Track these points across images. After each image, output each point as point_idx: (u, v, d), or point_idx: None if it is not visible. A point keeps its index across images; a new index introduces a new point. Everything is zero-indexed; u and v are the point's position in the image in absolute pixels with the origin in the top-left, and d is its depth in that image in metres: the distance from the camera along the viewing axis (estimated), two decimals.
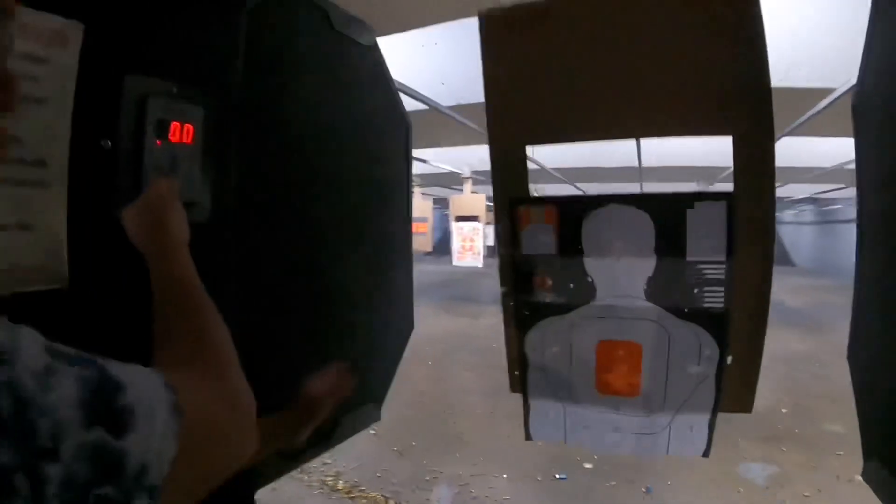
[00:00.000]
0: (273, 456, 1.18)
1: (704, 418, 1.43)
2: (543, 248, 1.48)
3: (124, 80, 0.92)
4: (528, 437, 1.65)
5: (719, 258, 1.32)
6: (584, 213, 1.42)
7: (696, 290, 1.34)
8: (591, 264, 1.43)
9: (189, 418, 0.51)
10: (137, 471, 0.45)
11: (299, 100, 1.26)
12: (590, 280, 1.44)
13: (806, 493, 3.72)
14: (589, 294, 1.44)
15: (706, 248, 1.32)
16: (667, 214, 1.33)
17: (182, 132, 0.99)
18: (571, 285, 1.47)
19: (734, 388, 1.40)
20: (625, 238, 1.37)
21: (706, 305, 1.35)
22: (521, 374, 1.58)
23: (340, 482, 3.92)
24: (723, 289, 1.33)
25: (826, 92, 4.56)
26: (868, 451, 1.05)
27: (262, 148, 1.17)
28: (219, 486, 0.58)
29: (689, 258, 1.34)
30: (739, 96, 1.26)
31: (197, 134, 1.01)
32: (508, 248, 1.51)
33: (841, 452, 4.25)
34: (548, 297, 1.49)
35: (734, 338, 1.36)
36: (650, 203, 1.36)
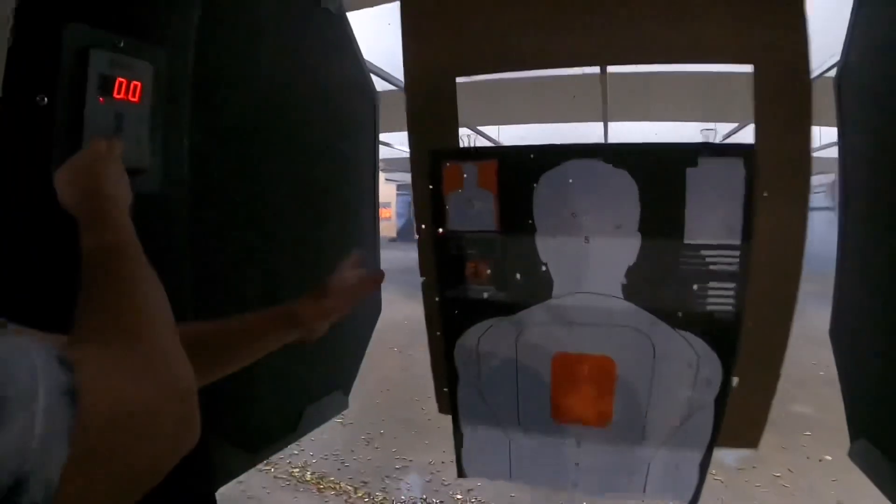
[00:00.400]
0: (233, 450, 1.10)
1: (695, 456, 1.02)
2: (479, 223, 1.06)
3: (64, 30, 0.82)
4: (460, 473, 1.27)
5: (731, 241, 0.92)
6: (536, 171, 0.98)
7: (695, 287, 0.95)
8: (547, 246, 1.00)
9: (98, 404, 0.39)
10: (8, 486, 0.32)
11: (259, 62, 1.17)
12: (544, 269, 1.01)
13: (777, 474, 3.76)
14: (543, 289, 1.03)
15: (713, 225, 0.91)
16: (657, 175, 0.89)
17: (128, 90, 0.89)
18: (518, 276, 1.05)
19: (738, 419, 1.00)
20: (596, 209, 0.92)
21: (709, 308, 0.96)
22: (450, 393, 1.21)
23: (308, 473, 3.83)
24: (734, 285, 0.93)
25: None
26: (855, 431, 1.01)
27: (218, 113, 1.07)
28: (171, 484, 0.48)
29: (687, 240, 0.94)
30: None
31: (145, 93, 0.91)
32: (429, 222, 1.13)
33: (809, 433, 4.32)
34: (485, 292, 1.09)
35: (744, 353, 0.97)
36: (633, 158, 0.91)
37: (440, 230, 1.13)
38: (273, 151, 1.20)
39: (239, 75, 1.13)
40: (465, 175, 1.05)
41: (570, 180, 0.96)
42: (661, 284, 0.96)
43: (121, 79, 0.88)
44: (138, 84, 0.91)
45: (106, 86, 0.87)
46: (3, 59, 0.76)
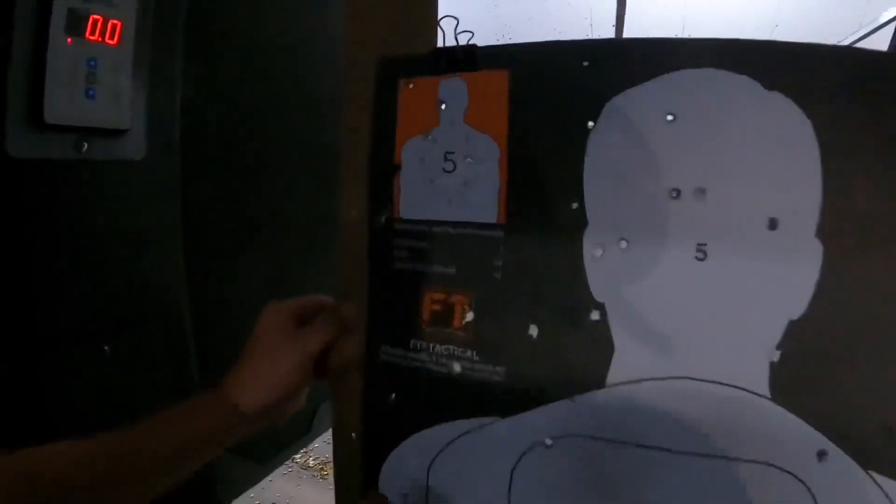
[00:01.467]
0: (243, 462, 0.96)
1: None
2: (463, 206, 0.51)
3: None
4: None
5: None
6: (592, 95, 0.46)
7: None
8: (608, 265, 0.46)
9: None
10: None
11: (264, 7, 0.99)
12: (596, 317, 0.46)
13: None
14: (589, 360, 0.47)
15: None
16: (864, 111, 0.40)
17: (105, 30, 0.73)
18: (535, 329, 0.48)
19: None
20: (726, 184, 0.44)
21: None
22: None
23: (311, 459, 3.71)
24: None
25: None
26: None
27: (216, 62, 0.91)
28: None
29: None
30: None
31: (126, 34, 0.75)
32: (361, 202, 0.55)
33: None
34: (457, 361, 0.50)
35: None
36: (805, 66, 0.44)
37: (382, 217, 0.54)
38: (280, 110, 1.03)
39: (242, 15, 0.95)
40: (442, 104, 0.51)
41: (672, 116, 0.45)
42: (862, 369, 0.42)
43: (95, 16, 0.72)
44: (118, 23, 0.75)
45: (76, 24, 0.70)
46: None
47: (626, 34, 4.02)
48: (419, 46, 0.54)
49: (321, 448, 3.76)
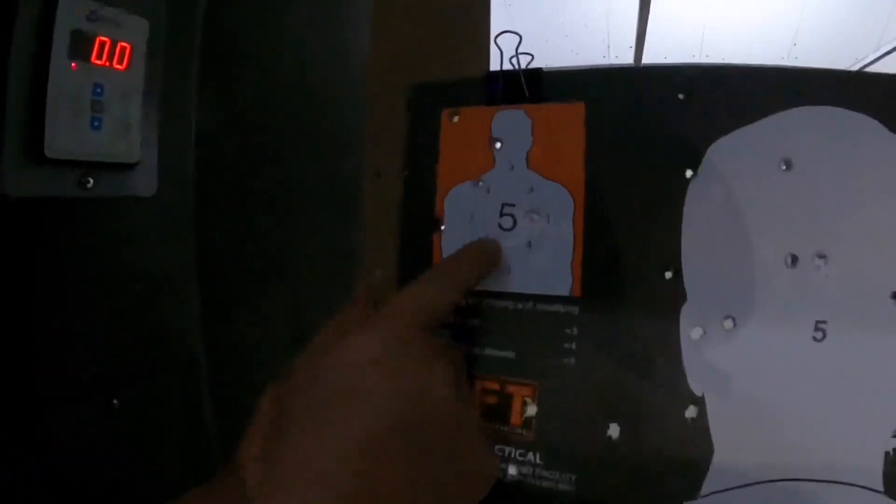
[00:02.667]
0: None
1: None
2: (525, 274, 0.42)
3: None
4: None
5: None
6: (692, 138, 0.38)
7: None
8: (710, 346, 0.37)
9: None
10: None
11: (287, 24, 0.93)
12: (692, 415, 0.38)
13: None
14: (685, 463, 0.37)
15: None
16: None
17: (113, 53, 0.66)
18: (616, 429, 0.39)
19: None
20: (856, 250, 0.36)
21: None
22: None
23: None
24: None
25: None
26: None
27: (234, 88, 0.84)
28: None
29: None
30: None
31: (136, 58, 0.68)
32: (394, 262, 0.47)
33: None
34: (515, 455, 0.41)
35: None
36: None
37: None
38: (301, 139, 0.96)
39: (262, 37, 0.89)
40: (497, 142, 0.43)
41: (786, 164, 0.37)
42: None
43: (102, 38, 0.65)
44: (127, 46, 0.67)
45: (81, 47, 0.63)
46: None
47: (645, 57, 3.98)
48: (467, 70, 0.45)
49: None
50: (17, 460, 0.62)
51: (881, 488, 0.37)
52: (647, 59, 4.26)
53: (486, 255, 0.41)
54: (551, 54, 4.80)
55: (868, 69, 4.06)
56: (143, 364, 0.74)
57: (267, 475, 0.30)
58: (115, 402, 0.70)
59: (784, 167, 0.38)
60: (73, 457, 0.67)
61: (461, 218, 0.44)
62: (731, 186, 0.38)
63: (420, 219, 0.45)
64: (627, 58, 4.50)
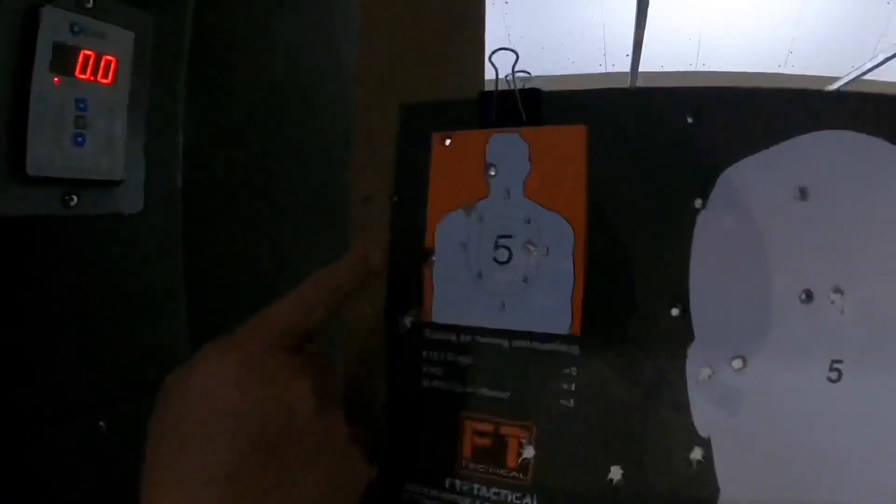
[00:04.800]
0: None
1: None
2: (522, 311, 0.39)
3: None
4: None
5: None
6: (703, 163, 0.35)
7: None
8: (719, 392, 0.35)
9: None
10: None
11: (276, 35, 0.91)
12: (698, 460, 0.35)
13: None
14: None
15: None
16: None
17: (97, 67, 0.64)
18: (619, 473, 0.37)
19: None
20: (883, 284, 0.32)
21: None
22: None
23: None
24: None
25: (827, 81, 4.40)
26: None
27: (222, 102, 0.82)
28: None
29: None
30: None
31: (122, 72, 0.66)
32: (379, 300, 0.43)
33: None
34: (511, 498, 0.39)
35: None
36: None
37: (406, 320, 0.42)
38: (291, 155, 0.94)
39: (250, 50, 0.87)
40: (491, 167, 0.40)
41: (800, 192, 0.35)
42: None
43: (86, 51, 0.63)
44: (112, 60, 0.65)
45: (64, 61, 0.62)
46: None
47: (642, 65, 3.97)
48: (460, 90, 0.42)
49: None
50: (5, 482, 0.60)
51: None
52: (643, 67, 4.24)
53: (365, 265, 0.39)
54: (548, 62, 4.79)
55: (863, 78, 4.06)
56: (131, 385, 0.72)
57: (156, 449, 0.31)
58: (101, 424, 0.68)
59: (799, 196, 0.36)
60: (57, 481, 0.65)
61: (453, 248, 0.41)
62: (742, 217, 0.36)
63: (410, 249, 0.42)
64: (624, 66, 4.49)
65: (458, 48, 0.44)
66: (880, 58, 3.67)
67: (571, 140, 0.39)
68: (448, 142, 0.42)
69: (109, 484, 0.68)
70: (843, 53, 4.56)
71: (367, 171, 0.43)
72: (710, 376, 0.36)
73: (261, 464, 0.30)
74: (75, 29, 0.62)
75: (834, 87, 4.07)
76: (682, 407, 0.37)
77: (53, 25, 0.60)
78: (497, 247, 0.40)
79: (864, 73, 4.00)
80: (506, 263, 0.40)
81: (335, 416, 0.35)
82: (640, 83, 3.97)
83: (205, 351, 0.33)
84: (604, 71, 4.95)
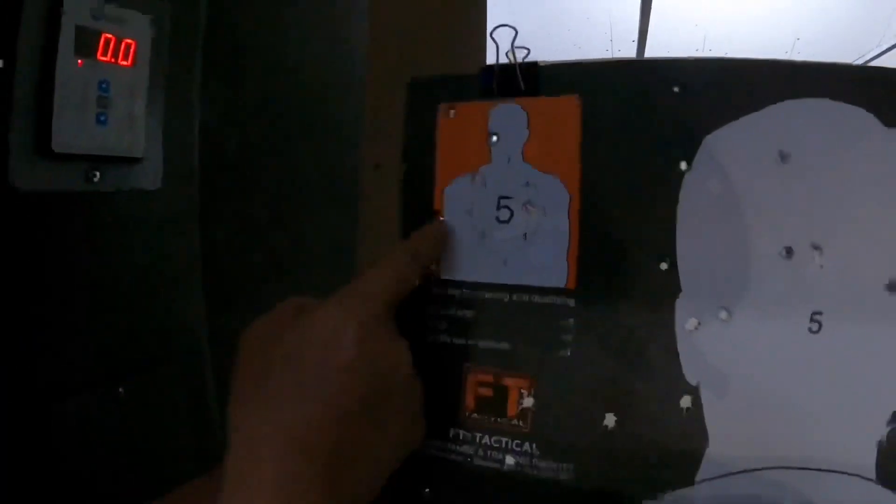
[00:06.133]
0: None
1: None
2: (522, 265, 0.42)
3: None
4: None
5: None
6: (687, 128, 0.38)
7: None
8: (707, 337, 0.38)
9: None
10: None
11: (289, 19, 0.94)
12: (687, 407, 0.38)
13: None
14: (681, 452, 0.38)
15: None
16: None
17: (118, 50, 0.67)
18: (612, 419, 0.39)
19: None
20: (848, 237, 0.36)
21: None
22: None
23: None
24: None
25: None
26: None
27: (236, 83, 0.85)
28: None
29: None
30: None
31: (141, 54, 0.69)
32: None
33: None
34: (510, 454, 0.41)
35: None
36: None
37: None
38: (303, 134, 0.97)
39: (263, 33, 0.90)
40: (493, 136, 0.43)
41: (782, 156, 0.38)
42: None
43: (108, 34, 0.66)
44: (132, 43, 0.68)
45: (87, 44, 0.64)
46: None
47: (647, 50, 3.96)
48: (464, 64, 0.45)
49: None
50: (27, 447, 0.63)
51: (874, 477, 0.37)
52: (649, 53, 4.24)
53: (440, 238, 0.43)
54: (554, 48, 4.78)
55: (871, 64, 4.05)
56: (148, 354, 0.75)
57: (245, 421, 0.33)
58: (120, 390, 0.71)
59: (780, 159, 0.38)
60: (80, 443, 0.68)
61: (459, 211, 0.44)
62: (726, 179, 0.39)
63: (419, 212, 0.45)
64: (631, 52, 4.48)
65: (461, 26, 0.47)
66: (886, 44, 3.66)
67: (567, 109, 0.42)
68: (453, 112, 0.45)
69: (128, 444, 0.72)
70: (851, 40, 4.54)
71: (378, 141, 0.46)
72: (697, 327, 0.39)
73: (364, 413, 0.33)
74: (97, 14, 0.65)
75: None
76: (672, 356, 0.39)
77: (76, 10, 0.63)
78: (499, 208, 0.43)
79: (871, 59, 3.99)
80: (507, 223, 0.43)
81: (416, 377, 0.38)
82: None
83: (319, 306, 0.36)
84: (610, 57, 4.94)
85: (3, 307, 0.61)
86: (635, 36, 3.85)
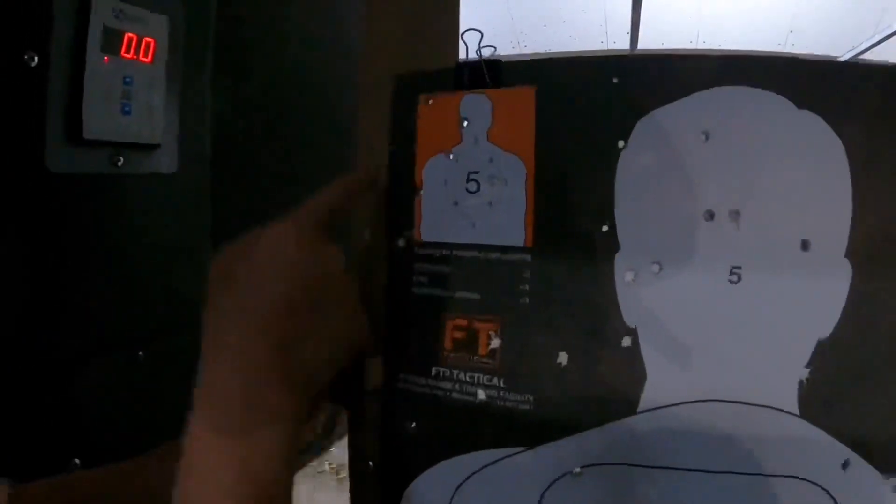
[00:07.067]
0: None
1: None
2: (489, 229, 0.50)
3: None
4: None
5: None
6: (623, 113, 0.46)
7: None
8: (640, 290, 0.46)
9: None
10: None
11: (291, 18, 1.01)
12: (627, 343, 0.46)
13: None
14: (620, 386, 0.46)
15: None
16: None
17: (139, 47, 0.74)
18: (564, 356, 0.47)
19: None
20: (760, 205, 0.44)
21: None
22: None
23: (326, 464, 3.71)
24: None
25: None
26: None
27: (244, 77, 0.92)
28: None
29: None
30: None
31: (159, 52, 0.76)
32: (380, 224, 0.54)
33: None
34: (482, 389, 0.50)
35: None
36: (833, 85, 0.43)
37: (401, 240, 0.53)
38: (302, 123, 1.04)
39: (266, 33, 0.96)
40: (464, 121, 0.50)
41: (704, 135, 0.44)
42: (886, 384, 0.43)
43: (130, 34, 0.73)
44: (151, 41, 0.75)
45: (112, 42, 0.71)
46: None
47: (642, 41, 3.99)
48: (440, 61, 0.52)
49: (337, 453, 3.77)
50: (55, 401, 0.70)
51: (797, 412, 0.44)
52: (644, 45, 4.27)
53: (367, 177, 0.52)
54: (549, 39, 4.80)
55: (864, 56, 4.08)
56: (164, 322, 0.82)
57: (215, 321, 0.40)
58: (140, 354, 0.79)
59: (704, 138, 0.45)
60: (102, 401, 0.75)
61: (436, 184, 0.52)
62: (657, 154, 0.46)
63: (403, 186, 0.53)
64: (625, 43, 4.52)
65: (438, 30, 0.54)
66: (879, 36, 3.70)
67: (524, 98, 0.50)
68: (431, 102, 0.53)
69: (145, 403, 0.79)
70: (844, 32, 4.55)
71: (371, 127, 0.54)
72: (633, 279, 0.47)
73: (307, 302, 0.41)
74: (120, 15, 0.71)
75: None
76: (613, 303, 0.47)
77: (103, 12, 0.70)
78: (468, 180, 0.51)
79: (863, 51, 4.03)
80: (475, 193, 0.51)
81: (352, 280, 0.46)
82: None
83: (271, 225, 0.43)
84: (605, 48, 4.96)
85: (37, 276, 0.67)
86: (629, 28, 3.89)
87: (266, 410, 0.38)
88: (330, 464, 3.66)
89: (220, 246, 0.43)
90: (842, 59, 4.23)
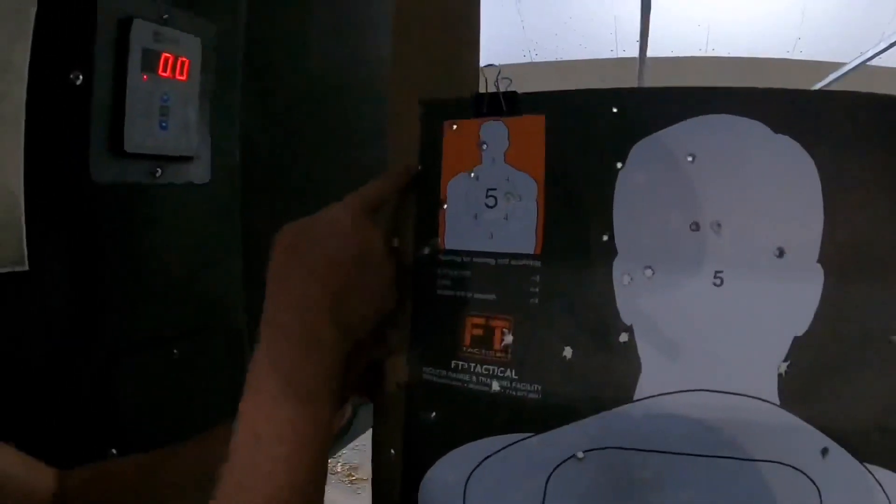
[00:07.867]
0: None
1: None
2: (505, 238, 0.56)
3: None
4: None
5: None
6: (622, 138, 0.52)
7: None
8: (636, 292, 0.52)
9: None
10: None
11: (314, 38, 1.06)
12: (624, 339, 0.52)
13: None
14: (618, 379, 0.52)
15: None
16: (865, 150, 0.48)
17: (175, 67, 0.79)
18: (569, 351, 0.53)
19: None
20: (741, 218, 0.50)
21: None
22: None
23: (339, 465, 3.75)
24: None
25: (834, 66, 4.40)
26: None
27: (270, 94, 0.97)
28: None
29: None
30: None
31: (193, 71, 0.81)
32: (409, 234, 0.60)
33: None
34: (496, 380, 0.55)
35: None
36: (810, 113, 0.49)
37: (427, 248, 0.59)
38: (326, 138, 1.09)
39: (292, 52, 1.02)
40: (484, 144, 0.56)
41: (691, 157, 0.50)
42: (858, 377, 0.48)
43: (167, 54, 0.78)
44: (186, 61, 0.81)
45: (150, 62, 0.76)
46: (30, 29, 0.65)
47: (651, 49, 4.02)
48: (462, 91, 0.59)
49: (348, 455, 3.81)
50: (97, 395, 0.74)
51: (777, 402, 0.50)
52: (654, 53, 4.29)
53: (406, 174, 0.59)
54: (560, 48, 4.84)
55: (870, 63, 4.08)
56: (197, 322, 0.87)
57: (280, 279, 0.48)
58: (175, 351, 0.84)
59: (691, 159, 0.51)
60: (142, 395, 0.80)
61: (458, 199, 0.59)
62: (650, 174, 0.53)
63: (430, 200, 0.60)
64: (635, 51, 4.54)
65: (461, 63, 0.61)
66: (885, 43, 3.70)
67: (535, 125, 0.56)
68: (455, 127, 0.60)
69: (180, 398, 0.84)
70: (851, 39, 4.54)
71: (400, 148, 0.61)
72: (629, 282, 0.52)
73: (356, 267, 0.50)
74: (157, 36, 0.77)
75: (840, 72, 4.10)
76: (612, 303, 0.53)
77: (142, 33, 0.75)
78: (487, 196, 0.58)
79: (870, 58, 4.03)
80: (493, 207, 0.58)
81: (389, 258, 0.55)
82: (649, 69, 4.04)
83: (327, 209, 0.52)
84: (615, 56, 4.99)
85: (80, 279, 0.72)
86: (639, 37, 3.93)
87: (316, 340, 0.47)
88: (342, 464, 3.69)
89: (271, 236, 0.51)
90: (849, 66, 4.24)
